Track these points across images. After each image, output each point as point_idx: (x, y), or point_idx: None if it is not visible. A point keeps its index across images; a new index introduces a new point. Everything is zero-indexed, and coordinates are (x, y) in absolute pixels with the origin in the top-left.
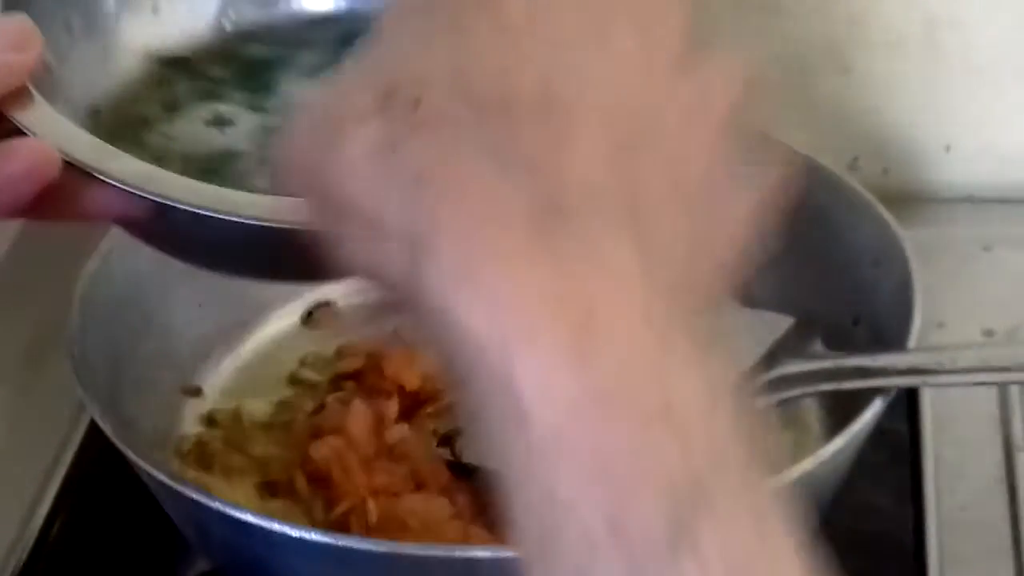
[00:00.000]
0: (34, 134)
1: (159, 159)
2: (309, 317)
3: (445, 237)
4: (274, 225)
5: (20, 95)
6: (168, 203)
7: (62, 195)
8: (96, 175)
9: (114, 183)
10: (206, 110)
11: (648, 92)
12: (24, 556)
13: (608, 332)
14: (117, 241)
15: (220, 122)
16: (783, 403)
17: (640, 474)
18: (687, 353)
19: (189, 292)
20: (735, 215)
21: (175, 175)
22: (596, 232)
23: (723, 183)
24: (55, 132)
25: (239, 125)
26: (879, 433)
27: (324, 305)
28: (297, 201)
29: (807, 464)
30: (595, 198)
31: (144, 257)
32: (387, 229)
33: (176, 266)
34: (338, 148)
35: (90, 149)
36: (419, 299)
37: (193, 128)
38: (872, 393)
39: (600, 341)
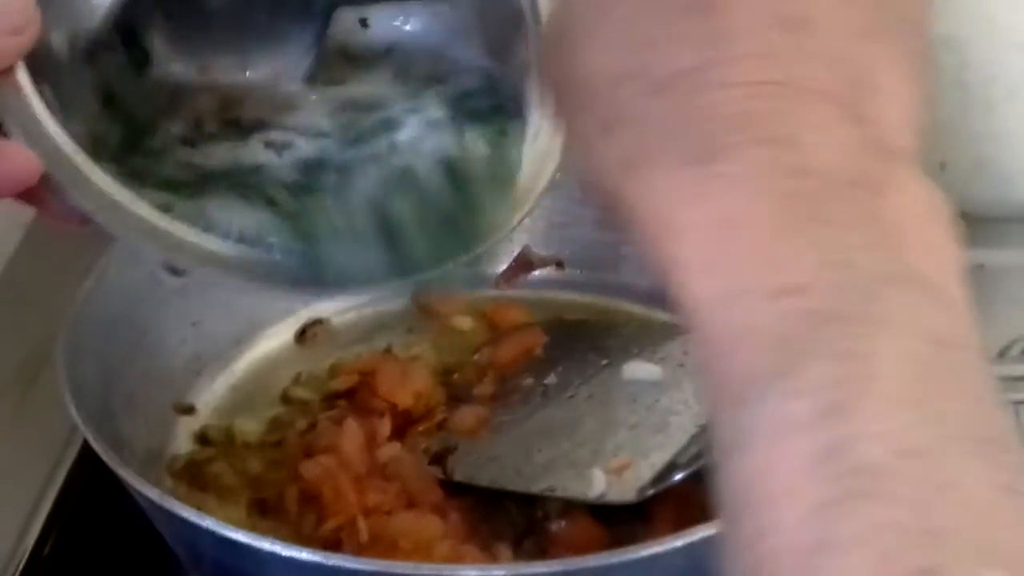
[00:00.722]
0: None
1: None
2: (302, 335)
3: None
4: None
5: (8, 77)
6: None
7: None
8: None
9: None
10: None
11: None
12: (18, 572)
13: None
14: (112, 260)
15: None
16: None
17: (750, 338)
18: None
19: (182, 311)
20: None
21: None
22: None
23: None
24: (36, 133)
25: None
26: None
27: (317, 323)
28: None
29: None
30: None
31: (138, 276)
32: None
33: (169, 285)
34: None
35: (68, 164)
36: (622, 208)
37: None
38: None
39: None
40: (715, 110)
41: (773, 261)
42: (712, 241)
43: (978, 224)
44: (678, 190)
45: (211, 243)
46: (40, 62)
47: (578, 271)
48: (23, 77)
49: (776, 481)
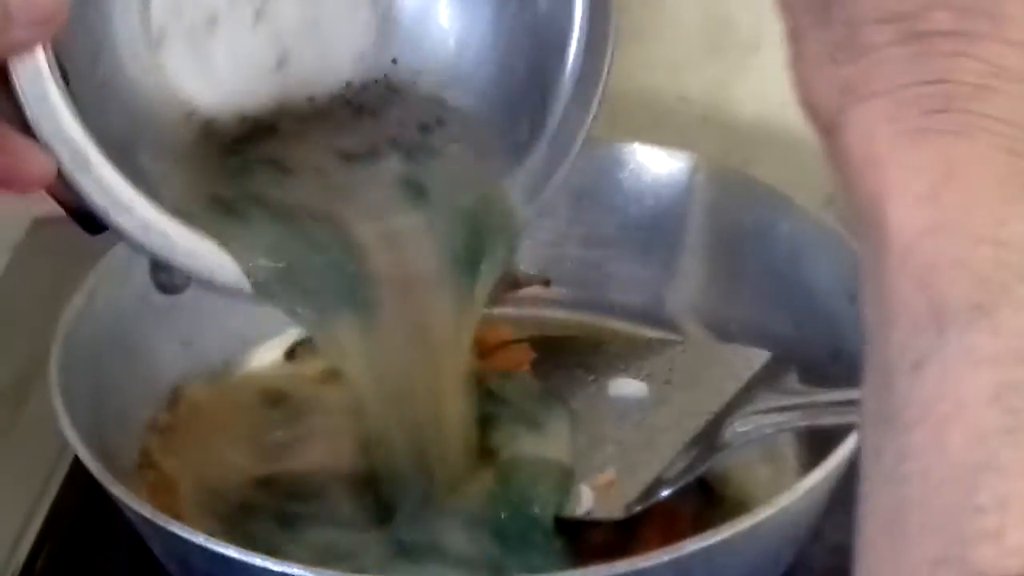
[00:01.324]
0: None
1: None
2: (292, 353)
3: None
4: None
5: (31, 63)
6: None
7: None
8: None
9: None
10: None
11: None
12: None
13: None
14: (102, 277)
15: None
16: (759, 438)
17: (956, 271)
18: None
19: (172, 329)
20: None
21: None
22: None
23: None
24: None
25: None
26: (856, 468)
27: (307, 341)
28: None
29: (783, 499)
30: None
31: (129, 294)
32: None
33: (160, 304)
34: None
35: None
36: (835, 134)
37: None
38: (848, 428)
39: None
40: (958, 75)
41: (993, 215)
42: (931, 182)
43: None
44: (902, 130)
45: (223, 257)
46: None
47: (565, 289)
48: (46, 66)
49: (954, 402)
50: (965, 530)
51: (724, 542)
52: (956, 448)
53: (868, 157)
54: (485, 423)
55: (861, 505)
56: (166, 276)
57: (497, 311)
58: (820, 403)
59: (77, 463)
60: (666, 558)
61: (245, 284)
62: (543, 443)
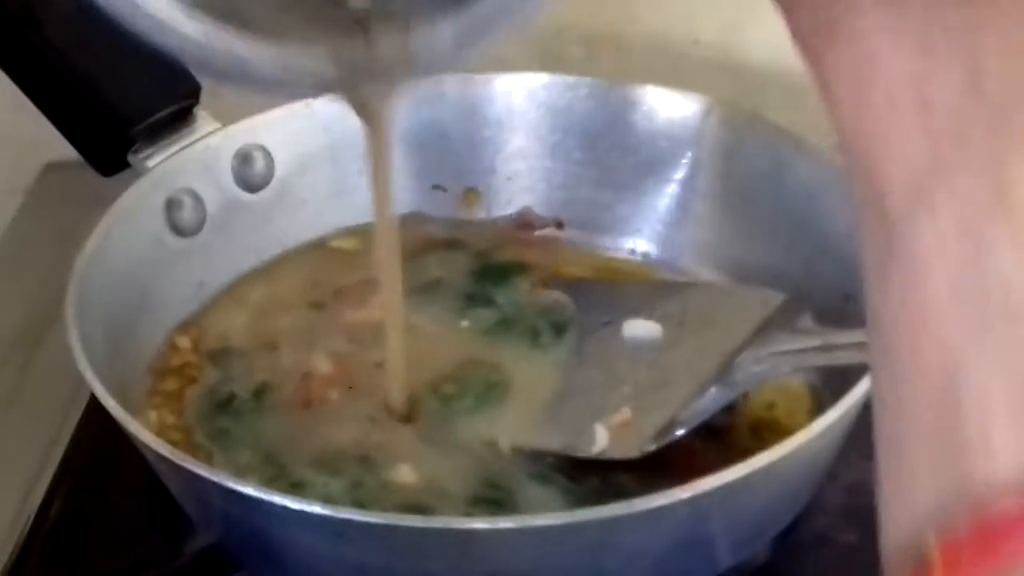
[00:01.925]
0: None
1: None
2: None
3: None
4: None
5: None
6: None
7: None
8: None
9: None
10: None
11: None
12: (24, 532)
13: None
14: (116, 219)
15: None
16: (774, 378)
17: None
18: None
19: (187, 271)
20: None
21: None
22: None
23: None
24: None
25: None
26: (871, 407)
27: None
28: None
29: (800, 438)
30: None
31: (143, 236)
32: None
33: (173, 247)
34: None
35: None
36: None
37: None
38: (863, 368)
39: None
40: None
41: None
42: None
43: None
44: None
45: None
46: None
47: (577, 231)
48: None
49: (915, 307)
50: (953, 443)
51: (741, 481)
52: (928, 358)
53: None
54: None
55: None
56: (180, 217)
57: (510, 252)
58: (835, 343)
59: (92, 403)
60: (683, 496)
61: None
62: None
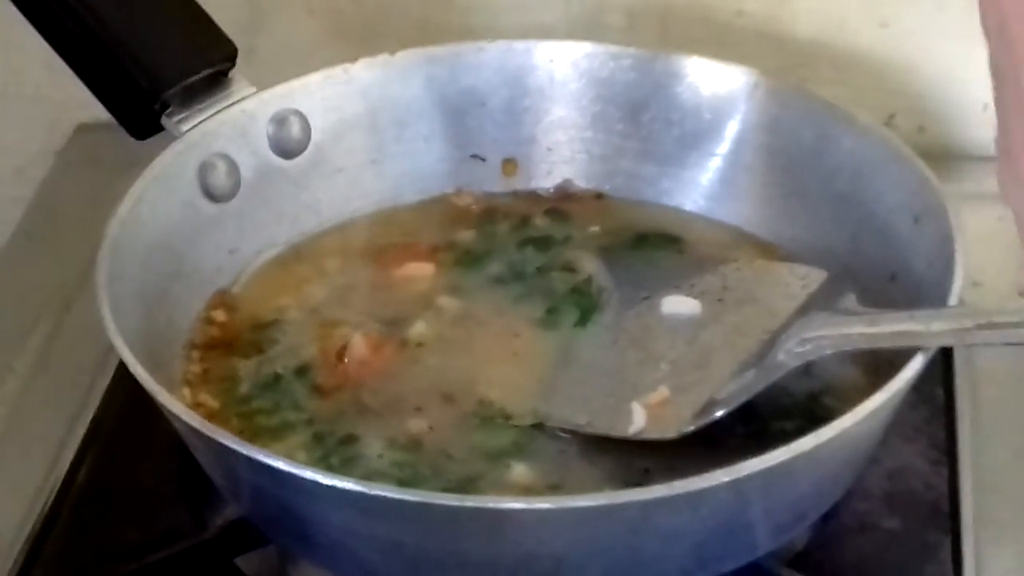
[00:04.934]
0: None
1: None
2: None
3: None
4: None
5: None
6: None
7: None
8: None
9: None
10: None
11: None
12: (50, 500)
13: None
14: (148, 184)
15: None
16: (816, 359)
17: None
18: None
19: (219, 238)
20: None
21: None
22: None
23: None
24: None
25: None
26: (914, 392)
27: None
28: None
29: (845, 421)
30: None
31: (175, 201)
32: None
33: (206, 213)
34: None
35: None
36: None
37: None
38: (910, 351)
39: None
40: None
41: None
42: None
43: None
44: None
45: None
46: None
47: (618, 203)
48: None
49: None
50: None
51: (784, 464)
52: None
53: None
54: None
55: None
56: (214, 183)
57: (543, 225)
58: (880, 324)
59: (121, 370)
60: (725, 479)
61: None
62: None
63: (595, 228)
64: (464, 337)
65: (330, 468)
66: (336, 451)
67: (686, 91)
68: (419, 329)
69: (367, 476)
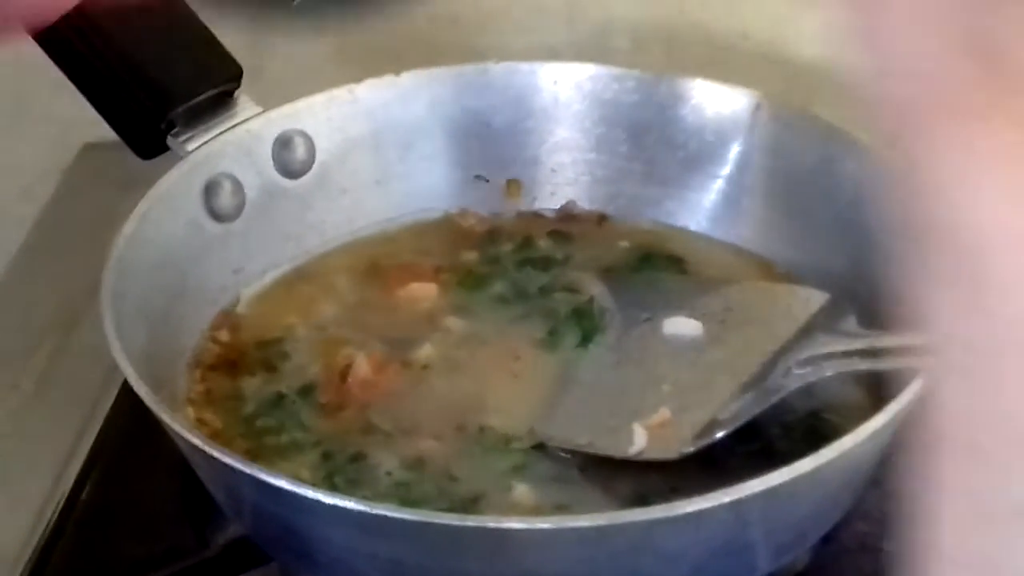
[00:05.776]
0: None
1: None
2: None
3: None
4: None
5: None
6: None
7: None
8: None
9: None
10: None
11: None
12: (53, 518)
13: None
14: (154, 203)
15: None
16: (817, 381)
17: None
18: None
19: (223, 257)
20: None
21: None
22: None
23: None
24: None
25: None
26: (917, 413)
27: None
28: None
29: (846, 443)
30: None
31: (180, 220)
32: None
33: (211, 232)
34: None
35: None
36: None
37: None
38: (909, 373)
39: None
40: None
41: None
42: None
43: None
44: None
45: None
46: None
47: (621, 225)
48: None
49: None
50: None
51: (785, 485)
52: None
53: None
54: None
55: None
56: (219, 202)
57: (545, 246)
58: (880, 347)
59: (125, 389)
60: (726, 500)
61: None
62: None
63: (598, 249)
64: (468, 358)
65: (335, 487)
66: (342, 471)
67: (690, 113)
68: (426, 351)
69: (372, 496)
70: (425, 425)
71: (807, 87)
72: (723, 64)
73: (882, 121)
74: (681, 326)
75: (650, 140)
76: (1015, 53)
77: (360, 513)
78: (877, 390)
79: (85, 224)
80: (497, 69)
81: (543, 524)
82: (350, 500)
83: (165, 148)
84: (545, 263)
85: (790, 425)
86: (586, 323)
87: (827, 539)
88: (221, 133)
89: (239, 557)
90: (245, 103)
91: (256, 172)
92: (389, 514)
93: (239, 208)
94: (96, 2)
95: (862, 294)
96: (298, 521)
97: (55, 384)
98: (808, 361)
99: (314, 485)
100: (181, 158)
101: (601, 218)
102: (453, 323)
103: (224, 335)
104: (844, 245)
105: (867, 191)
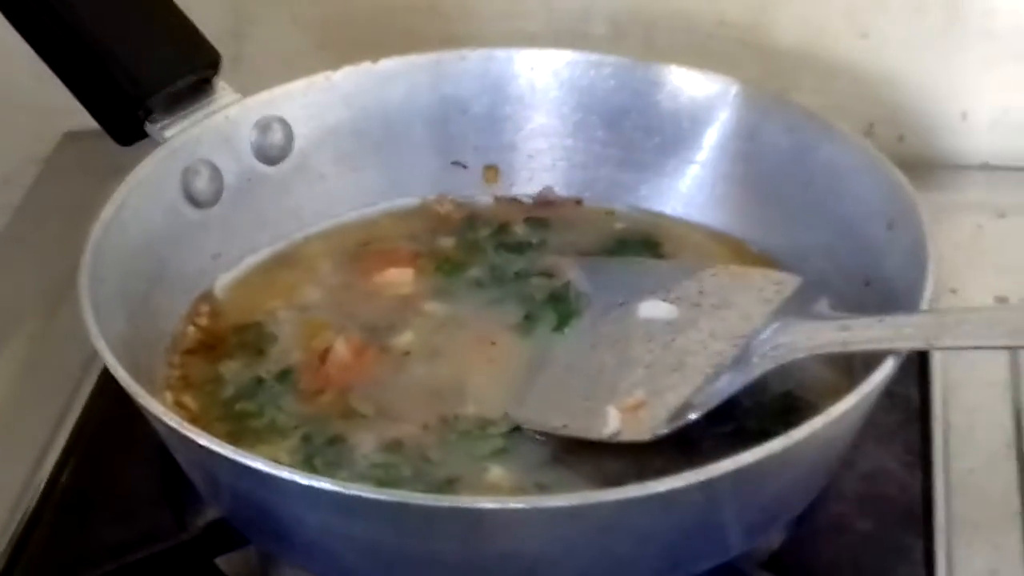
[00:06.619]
0: None
1: None
2: None
3: None
4: None
5: None
6: None
7: None
8: None
9: None
10: None
11: None
12: (33, 502)
13: None
14: (132, 190)
15: None
16: (789, 363)
17: None
18: None
19: (203, 242)
20: None
21: None
22: None
23: None
24: None
25: None
26: (889, 396)
27: None
28: None
29: (816, 423)
30: None
31: (159, 207)
32: None
33: (189, 218)
34: None
35: None
36: None
37: None
38: (881, 355)
39: None
40: None
41: None
42: None
43: (998, 173)
44: None
45: None
46: None
47: (597, 210)
48: None
49: None
50: None
51: (755, 465)
52: None
53: None
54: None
55: None
56: (197, 188)
57: (522, 231)
58: (851, 329)
59: (105, 373)
60: (697, 480)
61: None
62: None
63: (574, 234)
64: (446, 342)
65: (314, 470)
66: (321, 453)
67: (666, 99)
68: (407, 337)
69: (349, 478)
70: (403, 409)
71: (785, 74)
72: (701, 50)
73: None
74: (656, 310)
75: (627, 126)
76: None
77: (335, 494)
78: (850, 371)
79: (65, 212)
80: (474, 56)
81: (516, 504)
82: (325, 481)
83: (144, 134)
84: (522, 248)
85: (764, 406)
86: (562, 307)
87: (801, 519)
88: (199, 120)
89: (217, 539)
90: (223, 89)
91: (234, 158)
92: (363, 495)
93: (217, 194)
94: None
95: (836, 277)
96: (274, 503)
97: (35, 370)
98: (781, 344)
99: (292, 467)
100: (159, 144)
101: (578, 203)
102: (431, 308)
103: (203, 319)
104: (818, 229)
105: (841, 176)
